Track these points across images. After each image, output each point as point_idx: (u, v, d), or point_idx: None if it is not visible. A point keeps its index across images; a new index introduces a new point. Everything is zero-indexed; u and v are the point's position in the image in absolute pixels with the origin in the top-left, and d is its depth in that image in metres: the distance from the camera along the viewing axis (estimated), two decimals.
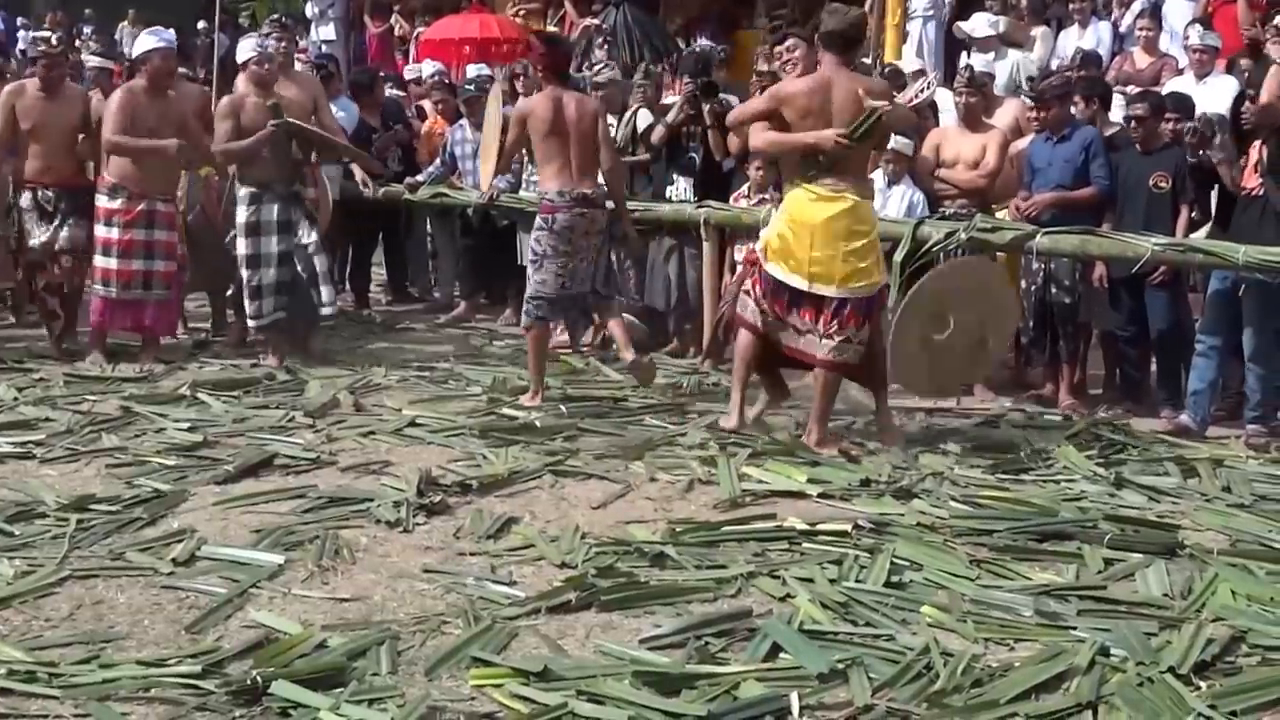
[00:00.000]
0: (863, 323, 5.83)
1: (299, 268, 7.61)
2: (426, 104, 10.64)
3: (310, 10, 14.50)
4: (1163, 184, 6.75)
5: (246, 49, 7.77)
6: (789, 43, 6.38)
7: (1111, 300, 6.96)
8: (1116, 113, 7.72)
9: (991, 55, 8.91)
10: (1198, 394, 6.40)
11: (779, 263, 5.87)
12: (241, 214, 7.58)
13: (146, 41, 7.89)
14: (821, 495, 5.21)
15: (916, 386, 6.45)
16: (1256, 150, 6.27)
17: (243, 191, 7.58)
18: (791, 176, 5.98)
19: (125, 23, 18.61)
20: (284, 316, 7.67)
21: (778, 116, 5.89)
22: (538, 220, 6.78)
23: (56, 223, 7.84)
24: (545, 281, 6.72)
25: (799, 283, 5.81)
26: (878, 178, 7.36)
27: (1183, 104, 7.05)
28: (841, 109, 5.76)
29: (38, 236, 7.84)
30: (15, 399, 6.74)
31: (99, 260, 7.78)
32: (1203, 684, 3.52)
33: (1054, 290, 7.01)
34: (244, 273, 7.62)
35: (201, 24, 15.99)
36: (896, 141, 7.25)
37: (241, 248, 7.60)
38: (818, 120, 5.77)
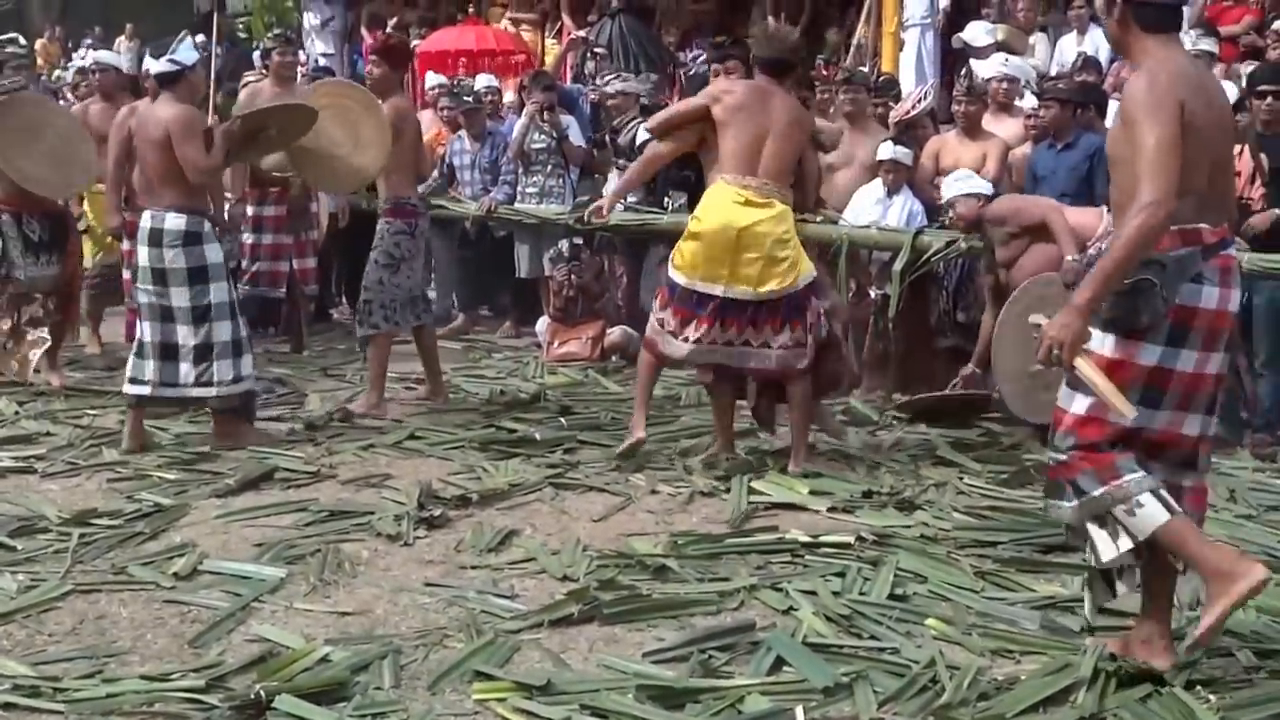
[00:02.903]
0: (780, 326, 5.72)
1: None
2: (427, 114, 10.62)
3: (309, 24, 14.48)
4: None
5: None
6: (729, 64, 6.46)
7: None
8: (1111, 120, 7.68)
9: (1002, 58, 8.86)
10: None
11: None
12: (216, 253, 6.02)
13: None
14: (824, 508, 5.19)
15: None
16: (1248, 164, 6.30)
17: (211, 227, 6.06)
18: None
19: (123, 37, 18.65)
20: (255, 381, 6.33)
21: (705, 117, 5.81)
22: (399, 224, 6.79)
23: (44, 259, 7.39)
24: (400, 285, 6.80)
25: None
26: (876, 186, 7.36)
27: None
28: (779, 119, 5.73)
29: (23, 269, 7.34)
30: (16, 413, 6.74)
31: (125, 273, 7.79)
32: (1212, 696, 3.51)
33: None
34: (225, 325, 5.99)
35: (199, 37, 16.01)
36: (895, 151, 7.25)
37: (215, 294, 5.98)
38: (750, 116, 5.72)
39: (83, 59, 8.90)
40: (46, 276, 7.45)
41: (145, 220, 6.04)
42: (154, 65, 6.13)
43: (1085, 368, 3.46)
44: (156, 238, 5.94)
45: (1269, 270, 6.04)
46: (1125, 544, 3.52)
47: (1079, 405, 3.55)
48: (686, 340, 5.75)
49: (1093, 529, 3.57)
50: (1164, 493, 3.50)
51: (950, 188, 6.73)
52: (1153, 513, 3.47)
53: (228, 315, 6.01)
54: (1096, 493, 3.51)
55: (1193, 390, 3.53)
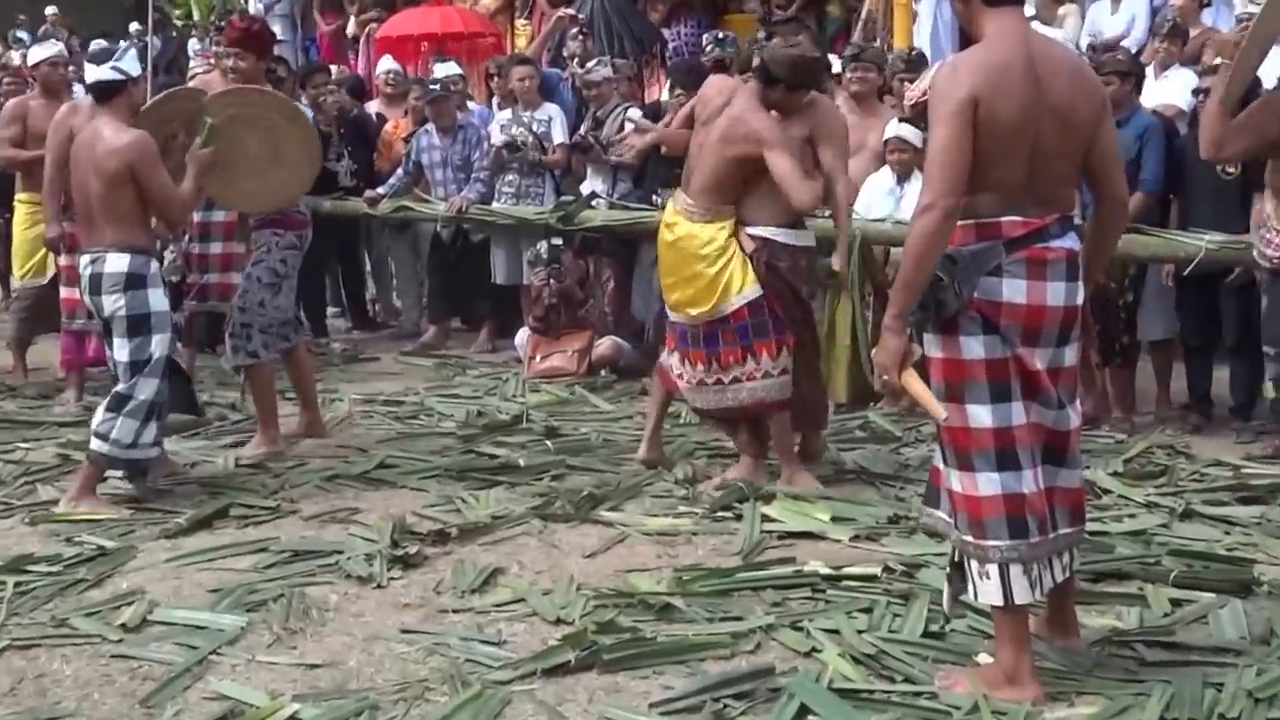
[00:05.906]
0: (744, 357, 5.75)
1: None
2: (374, 105, 10.62)
3: (254, 7, 14.48)
4: (1231, 169, 6.61)
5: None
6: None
7: (1180, 304, 6.91)
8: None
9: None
10: None
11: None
12: (160, 300, 5.82)
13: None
14: (846, 536, 5.17)
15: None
16: None
17: (157, 268, 5.98)
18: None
19: (48, 25, 18.69)
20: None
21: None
22: (290, 237, 6.68)
23: None
24: (280, 306, 6.68)
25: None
26: (885, 175, 7.33)
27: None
28: (715, 131, 5.73)
29: None
30: None
31: (62, 290, 7.70)
32: None
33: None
34: (152, 383, 5.72)
35: (134, 25, 16.02)
36: (903, 130, 7.21)
37: (157, 347, 5.75)
38: (700, 127, 5.85)
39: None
40: None
41: (84, 264, 5.81)
42: (92, 72, 5.89)
43: (910, 380, 3.73)
44: (96, 284, 5.71)
45: None
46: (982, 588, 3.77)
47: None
48: (681, 378, 5.92)
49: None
50: (1016, 574, 3.71)
51: None
52: (991, 590, 3.73)
53: (159, 373, 5.72)
54: (965, 537, 3.75)
55: (1029, 383, 3.72)
